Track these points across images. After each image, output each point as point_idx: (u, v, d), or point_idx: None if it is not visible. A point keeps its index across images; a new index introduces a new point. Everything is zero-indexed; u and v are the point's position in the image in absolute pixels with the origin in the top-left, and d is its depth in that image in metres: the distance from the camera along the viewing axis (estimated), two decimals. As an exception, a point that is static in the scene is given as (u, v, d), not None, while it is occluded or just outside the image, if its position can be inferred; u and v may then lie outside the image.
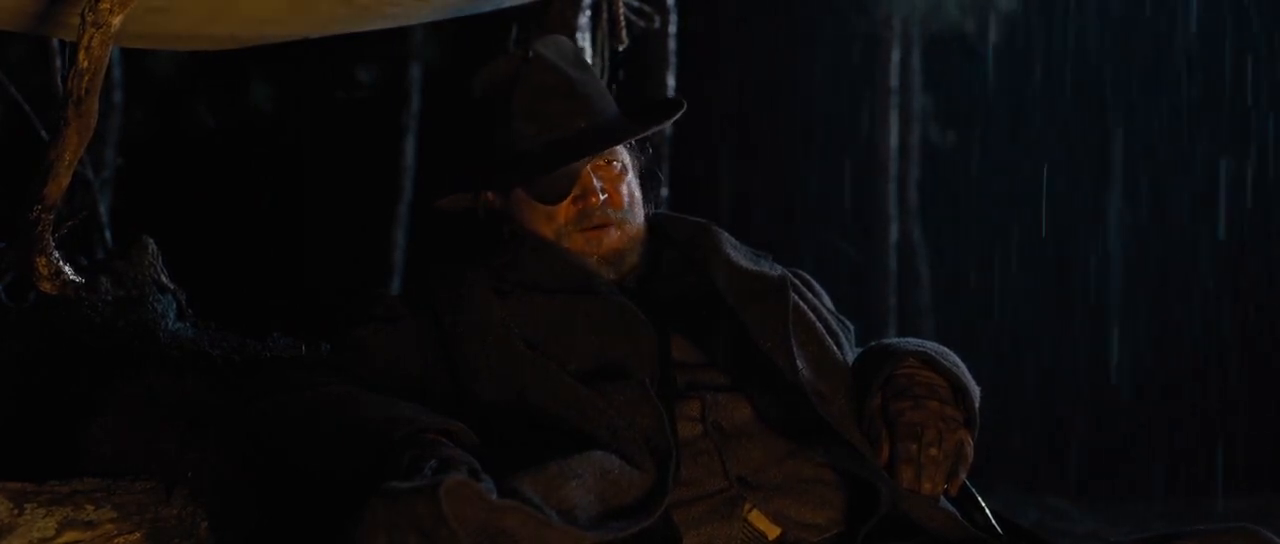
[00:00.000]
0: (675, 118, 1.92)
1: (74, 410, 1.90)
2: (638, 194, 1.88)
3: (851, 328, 1.94)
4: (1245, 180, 7.74)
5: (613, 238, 1.82)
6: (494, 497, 1.36)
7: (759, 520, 1.63)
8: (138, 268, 2.13)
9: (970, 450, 1.67)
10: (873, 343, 1.87)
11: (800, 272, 1.94)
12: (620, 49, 2.97)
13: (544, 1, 3.00)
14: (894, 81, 7.59)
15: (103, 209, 4.05)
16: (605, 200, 1.81)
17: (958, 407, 1.70)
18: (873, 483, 1.64)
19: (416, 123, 6.72)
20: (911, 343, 1.78)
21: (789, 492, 1.64)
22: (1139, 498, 7.31)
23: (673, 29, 3.96)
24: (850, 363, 1.82)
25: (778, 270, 1.85)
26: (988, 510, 1.73)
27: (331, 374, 1.74)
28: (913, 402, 1.68)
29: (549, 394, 1.66)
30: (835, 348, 1.80)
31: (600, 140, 1.81)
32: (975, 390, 1.75)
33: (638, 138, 1.87)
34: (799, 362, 1.73)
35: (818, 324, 1.81)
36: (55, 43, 2.98)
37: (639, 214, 1.87)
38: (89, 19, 1.88)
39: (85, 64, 1.91)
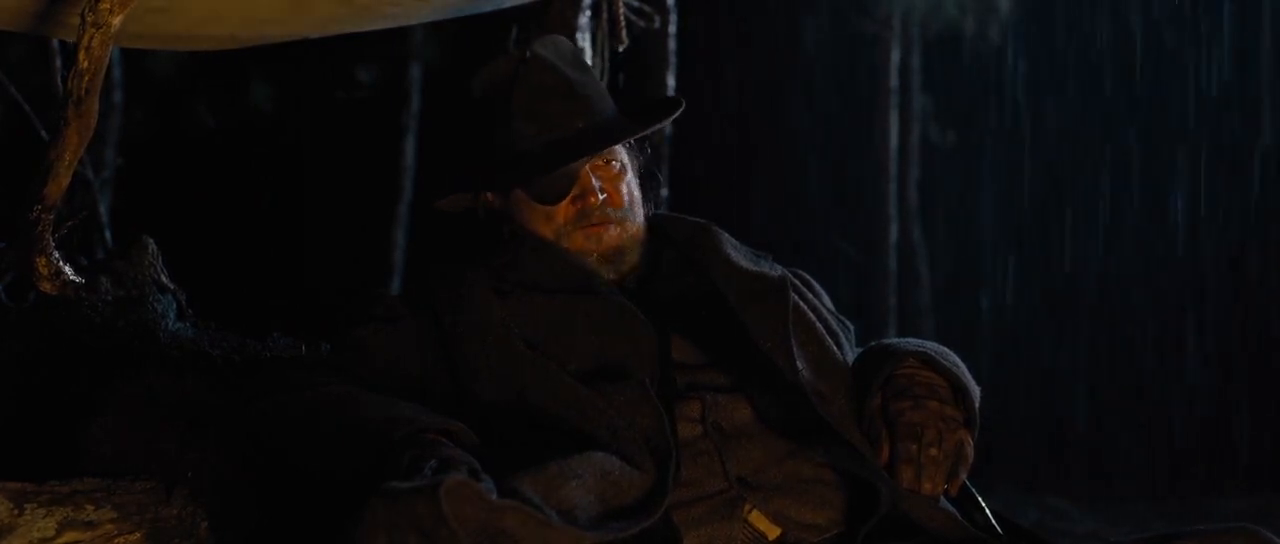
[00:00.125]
0: (674, 117, 1.92)
1: (74, 410, 1.90)
2: (637, 194, 1.88)
3: (851, 328, 1.94)
4: (1247, 180, 7.74)
5: (612, 235, 1.82)
6: (494, 497, 1.36)
7: (759, 521, 1.63)
8: (138, 268, 2.13)
9: (970, 450, 1.67)
10: (873, 343, 1.87)
11: (800, 272, 1.94)
12: (620, 49, 2.97)
13: (544, 1, 3.00)
14: (894, 81, 7.60)
15: (103, 209, 4.05)
16: (604, 200, 1.81)
17: (958, 407, 1.70)
18: (873, 483, 1.64)
19: (416, 123, 6.72)
20: (911, 343, 1.78)
21: (789, 492, 1.64)
22: (1139, 498, 7.31)
23: (673, 29, 3.96)
24: (850, 363, 1.82)
25: (778, 270, 1.85)
26: (988, 510, 1.73)
27: (331, 374, 1.74)
28: (913, 402, 1.68)
29: (549, 394, 1.66)
30: (835, 348, 1.80)
31: (599, 140, 1.81)
32: (975, 390, 1.75)
33: (637, 137, 1.87)
34: (799, 362, 1.73)
35: (818, 324, 1.81)
36: (55, 43, 2.98)
37: (638, 214, 1.87)
38: (89, 19, 1.88)
39: (85, 64, 1.91)
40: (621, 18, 2.96)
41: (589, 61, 2.99)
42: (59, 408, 1.94)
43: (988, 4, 7.44)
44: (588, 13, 3.03)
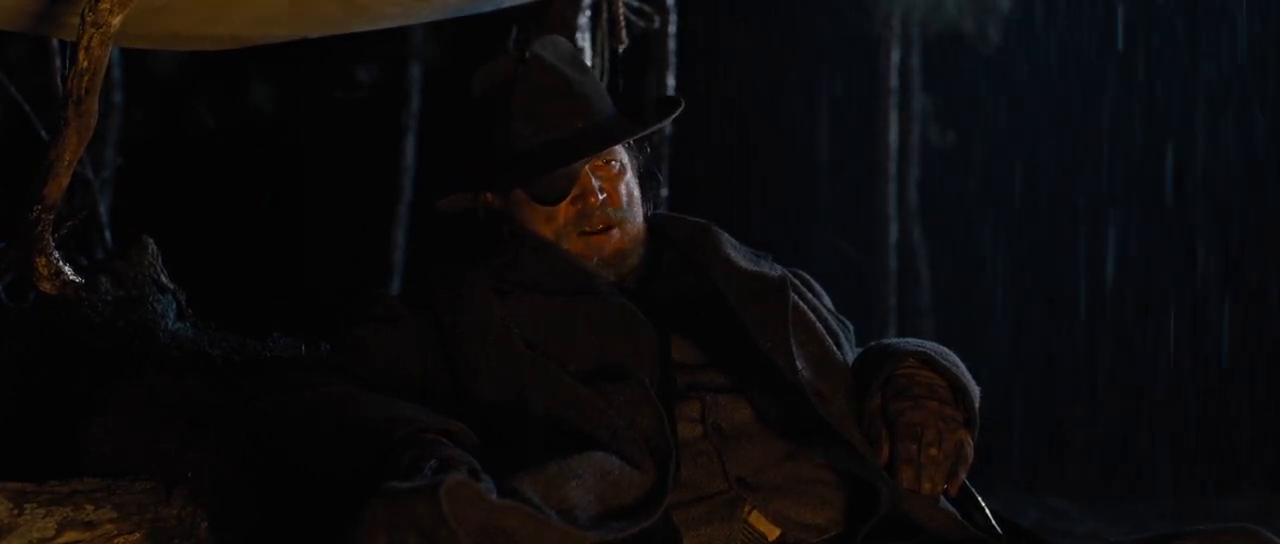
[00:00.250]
0: (673, 117, 1.92)
1: (74, 410, 1.90)
2: (636, 194, 1.88)
3: (851, 328, 1.94)
4: (1248, 180, 7.74)
5: (614, 241, 1.82)
6: (494, 497, 1.36)
7: (759, 521, 1.63)
8: (138, 268, 2.13)
9: (970, 450, 1.67)
10: (872, 343, 1.87)
11: (800, 271, 1.94)
12: (620, 49, 2.97)
13: (544, 1, 2.99)
14: (894, 81, 7.60)
15: (103, 209, 4.05)
16: (604, 200, 1.81)
17: (957, 407, 1.70)
18: (873, 483, 1.64)
19: (416, 123, 6.72)
20: (911, 343, 1.78)
21: (789, 492, 1.64)
22: (1139, 498, 7.31)
23: (673, 29, 3.95)
24: (850, 363, 1.82)
25: (777, 270, 1.85)
26: (988, 510, 1.73)
27: (331, 374, 1.74)
28: (912, 401, 1.68)
29: (549, 394, 1.66)
30: (835, 348, 1.80)
31: (599, 140, 1.81)
32: (975, 390, 1.75)
33: (636, 138, 1.87)
34: (799, 362, 1.73)
35: (817, 324, 1.81)
36: (55, 43, 2.98)
37: (638, 214, 1.87)
38: (89, 19, 1.88)
39: (85, 64, 1.91)
40: (621, 18, 2.96)
41: (589, 61, 2.99)
42: (59, 408, 1.94)
43: (988, 4, 7.44)
44: (588, 13, 3.03)
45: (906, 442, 1.65)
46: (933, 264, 7.85)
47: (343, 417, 1.61)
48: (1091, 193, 8.21)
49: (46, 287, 2.02)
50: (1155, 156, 8.05)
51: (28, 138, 3.02)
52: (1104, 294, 8.23)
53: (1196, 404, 7.85)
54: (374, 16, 2.41)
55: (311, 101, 6.77)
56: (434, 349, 1.77)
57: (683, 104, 1.91)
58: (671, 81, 4.05)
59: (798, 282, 1.88)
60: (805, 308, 1.82)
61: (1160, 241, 8.08)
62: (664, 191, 3.80)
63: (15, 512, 1.68)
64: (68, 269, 2.03)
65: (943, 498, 1.67)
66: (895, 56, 7.59)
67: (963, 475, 1.66)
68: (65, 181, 1.98)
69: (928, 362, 1.73)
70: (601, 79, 2.86)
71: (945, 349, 1.79)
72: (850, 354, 1.85)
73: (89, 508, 1.74)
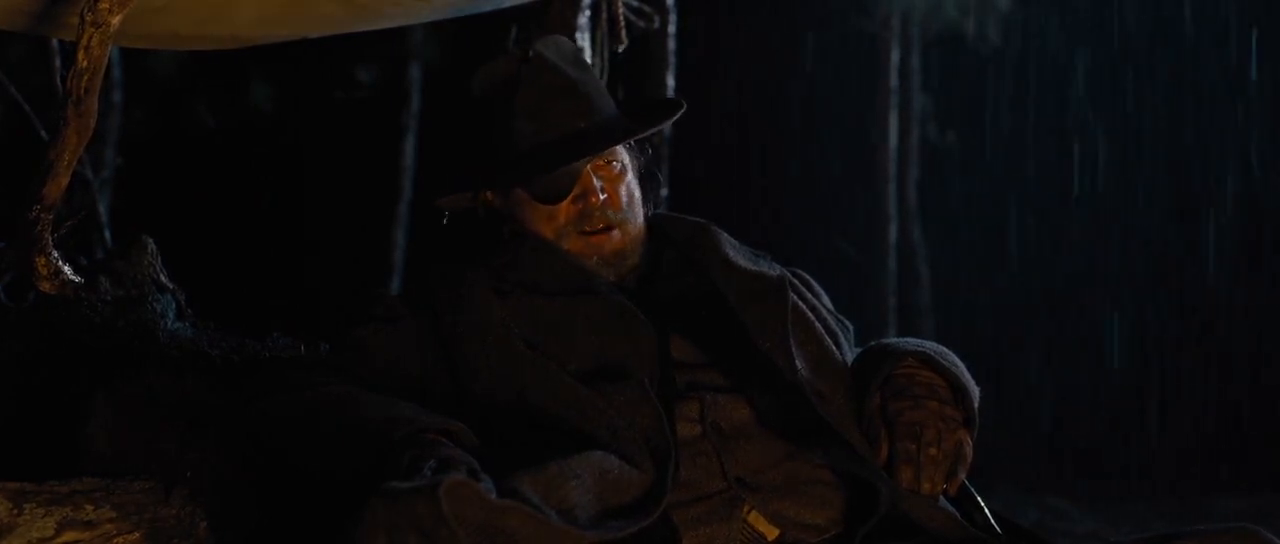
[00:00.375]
0: (675, 118, 1.92)
1: (74, 410, 1.90)
2: (637, 195, 1.88)
3: (851, 328, 1.94)
4: (1248, 180, 7.74)
5: (614, 241, 1.82)
6: (494, 497, 1.37)
7: (758, 521, 1.63)
8: (137, 268, 2.13)
9: (969, 450, 1.67)
10: (872, 343, 1.87)
11: (799, 271, 1.94)
12: (620, 49, 2.96)
13: (544, 1, 2.99)
14: (894, 81, 7.59)
15: (102, 209, 4.05)
16: (605, 201, 1.81)
17: (957, 406, 1.70)
18: (872, 483, 1.64)
19: (416, 123, 6.71)
20: (911, 343, 1.78)
21: (788, 492, 1.64)
22: (1139, 498, 7.30)
23: (673, 29, 3.95)
24: (849, 363, 1.82)
25: (777, 270, 1.86)
26: (987, 510, 1.73)
27: (331, 374, 1.74)
28: (912, 401, 1.68)
29: (549, 394, 1.66)
30: (834, 348, 1.80)
31: (600, 140, 1.82)
32: (974, 390, 1.75)
33: (637, 138, 1.87)
34: (798, 361, 1.73)
35: (817, 324, 1.81)
36: (55, 43, 2.98)
37: (639, 214, 1.87)
38: (88, 19, 1.88)
39: (84, 64, 1.91)
40: (621, 18, 2.96)
41: (588, 62, 2.99)
42: (59, 408, 1.94)
43: (988, 4, 7.44)
44: (587, 13, 3.03)
45: (906, 441, 1.65)
46: (933, 264, 7.85)
47: (343, 417, 1.62)
48: (1092, 192, 8.21)
49: (46, 286, 2.02)
50: (1156, 154, 8.05)
51: (28, 138, 3.02)
52: (1103, 293, 8.23)
53: (1196, 404, 7.85)
54: (374, 16, 2.41)
55: (311, 101, 6.76)
56: (434, 349, 1.77)
57: (685, 106, 1.92)
58: (671, 81, 4.05)
59: (797, 281, 1.88)
60: (805, 308, 1.83)
61: (1160, 240, 8.08)
62: (664, 191, 3.80)
63: (15, 511, 1.69)
64: (67, 269, 2.03)
65: (942, 498, 1.67)
66: (895, 56, 7.59)
67: (962, 475, 1.66)
68: (65, 181, 1.98)
69: (927, 361, 1.73)
70: (601, 79, 2.85)
71: (945, 349, 1.79)
72: (850, 354, 1.85)
73: (88, 508, 1.74)
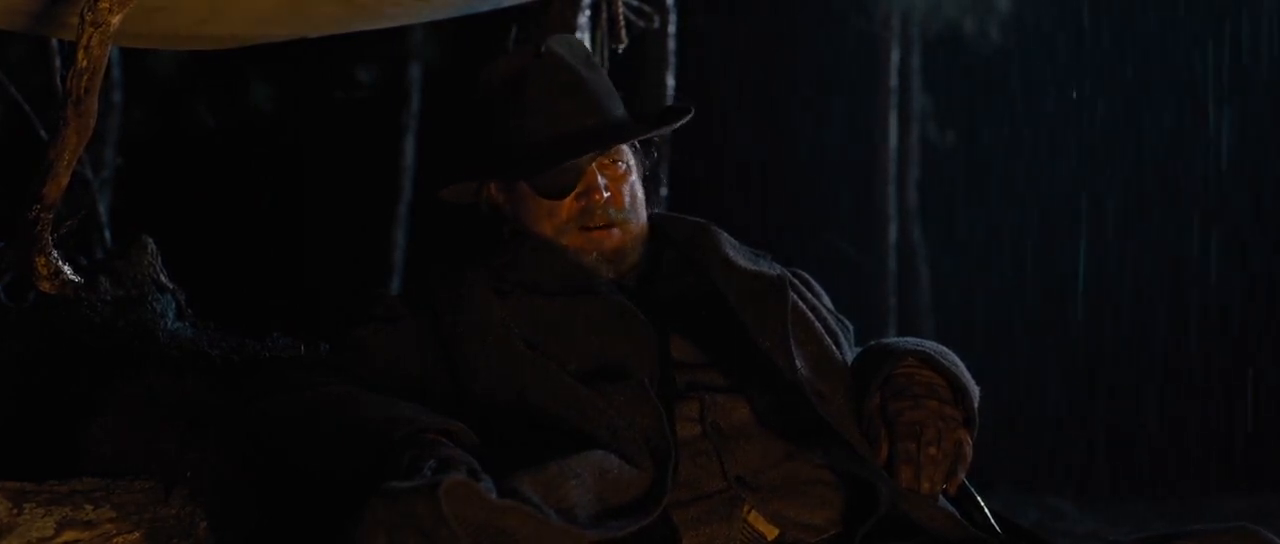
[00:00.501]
0: (683, 122, 1.92)
1: (74, 410, 1.90)
2: (640, 196, 1.88)
3: (851, 327, 1.94)
4: (1248, 179, 7.73)
5: (614, 239, 1.82)
6: (494, 496, 1.37)
7: (757, 521, 1.63)
8: (137, 268, 2.13)
9: (969, 450, 1.67)
10: (872, 343, 1.87)
11: (799, 271, 1.94)
12: (620, 49, 2.96)
13: (544, 1, 2.99)
14: (894, 81, 7.59)
15: (102, 209, 4.05)
16: (608, 199, 1.81)
17: (957, 406, 1.70)
18: (872, 483, 1.64)
19: (416, 123, 6.71)
20: (910, 342, 1.78)
21: (787, 492, 1.64)
22: (1139, 498, 7.30)
23: (673, 29, 3.95)
24: (849, 363, 1.82)
25: (777, 270, 1.86)
26: (987, 510, 1.73)
27: (331, 374, 1.74)
28: (912, 401, 1.68)
29: (549, 394, 1.66)
30: (834, 347, 1.80)
31: (607, 137, 1.82)
32: (974, 390, 1.75)
33: (643, 139, 1.87)
34: (798, 361, 1.73)
35: (817, 324, 1.82)
36: (55, 43, 2.98)
37: (641, 215, 1.87)
38: (88, 18, 1.88)
39: (84, 63, 1.91)
40: (621, 18, 2.96)
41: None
42: (59, 408, 1.94)
43: (988, 4, 7.44)
44: (587, 12, 3.03)
45: (905, 441, 1.65)
46: (933, 264, 7.84)
47: (342, 417, 1.62)
48: (1092, 192, 8.21)
49: (46, 286, 2.02)
50: (1155, 156, 8.05)
51: (28, 138, 3.02)
52: (1104, 294, 8.22)
53: (1197, 404, 7.84)
54: (374, 16, 2.41)
55: (311, 101, 6.76)
56: (434, 349, 1.77)
57: (692, 111, 1.92)
58: (671, 81, 4.04)
59: (797, 281, 1.88)
60: (804, 307, 1.83)
61: (1161, 241, 8.08)
62: (664, 191, 3.80)
63: (15, 511, 1.69)
64: (67, 269, 2.03)
65: (942, 497, 1.67)
66: (895, 56, 7.58)
67: (962, 475, 1.66)
68: (65, 181, 1.98)
69: (927, 361, 1.73)
70: (605, 79, 2.85)
71: (945, 349, 1.80)
72: (849, 354, 1.85)
73: (88, 508, 1.74)
